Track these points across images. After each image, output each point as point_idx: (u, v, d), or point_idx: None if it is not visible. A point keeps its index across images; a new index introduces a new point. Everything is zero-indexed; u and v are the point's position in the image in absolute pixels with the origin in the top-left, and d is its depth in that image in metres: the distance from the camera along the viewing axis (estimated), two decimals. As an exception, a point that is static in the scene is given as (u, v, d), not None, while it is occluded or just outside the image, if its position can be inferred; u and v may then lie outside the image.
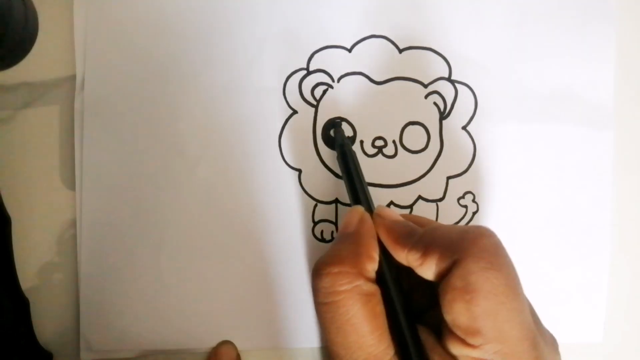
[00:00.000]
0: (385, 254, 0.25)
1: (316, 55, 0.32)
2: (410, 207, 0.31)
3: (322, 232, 0.31)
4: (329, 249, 0.26)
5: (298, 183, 0.31)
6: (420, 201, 0.31)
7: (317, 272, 0.25)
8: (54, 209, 0.31)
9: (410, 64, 0.32)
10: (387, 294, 0.25)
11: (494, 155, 0.32)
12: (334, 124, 0.31)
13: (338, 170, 0.31)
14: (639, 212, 0.33)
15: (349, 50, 0.32)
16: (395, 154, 0.32)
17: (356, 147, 0.31)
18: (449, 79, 0.32)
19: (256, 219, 0.31)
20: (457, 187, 0.32)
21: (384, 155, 0.31)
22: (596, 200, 0.32)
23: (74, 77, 0.31)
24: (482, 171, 0.32)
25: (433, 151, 0.32)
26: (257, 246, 0.31)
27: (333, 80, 0.32)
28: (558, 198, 0.32)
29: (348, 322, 0.23)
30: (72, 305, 0.31)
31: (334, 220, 0.31)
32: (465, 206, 0.32)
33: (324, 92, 0.32)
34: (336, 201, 0.31)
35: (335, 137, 0.31)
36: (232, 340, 0.31)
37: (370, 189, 0.31)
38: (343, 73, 0.32)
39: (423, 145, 0.32)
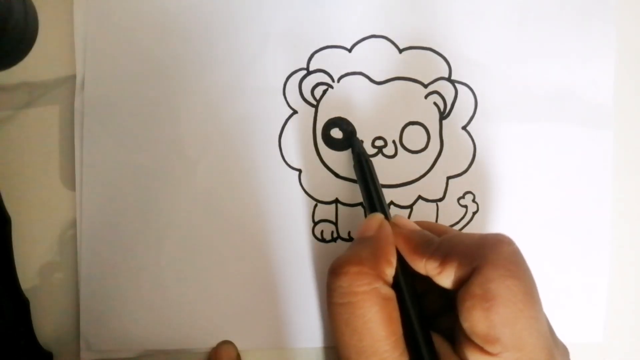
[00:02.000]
0: (401, 260, 0.25)
1: (316, 55, 0.32)
2: (410, 207, 0.31)
3: (322, 232, 0.31)
4: (347, 250, 0.26)
5: (298, 183, 0.31)
6: (420, 201, 0.31)
7: (335, 271, 0.24)
8: (54, 209, 0.31)
9: (410, 64, 0.32)
10: (402, 300, 0.24)
11: (494, 155, 0.32)
12: (350, 134, 0.31)
13: (338, 170, 0.31)
14: (639, 211, 0.33)
15: (349, 50, 0.32)
16: (395, 154, 0.32)
17: (356, 147, 0.31)
18: (449, 79, 0.32)
19: (256, 219, 0.31)
20: (457, 187, 0.32)
21: (384, 155, 0.31)
22: (596, 200, 0.32)
23: (74, 77, 0.31)
24: (482, 171, 0.32)
25: (433, 151, 0.32)
26: (257, 246, 0.31)
27: (333, 80, 0.32)
28: (558, 198, 0.32)
29: (365, 325, 0.23)
30: (72, 305, 0.31)
31: (334, 220, 0.31)
32: (465, 206, 0.32)
33: (324, 92, 0.32)
34: (336, 201, 0.31)
35: (353, 146, 0.31)
36: (232, 340, 0.31)
37: (370, 189, 0.31)
38: (343, 73, 0.32)
39: (423, 145, 0.32)
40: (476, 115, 0.32)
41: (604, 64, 0.32)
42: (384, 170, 0.31)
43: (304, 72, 0.32)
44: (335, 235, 0.31)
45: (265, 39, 0.32)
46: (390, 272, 0.25)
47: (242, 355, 0.31)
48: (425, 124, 0.32)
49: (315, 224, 0.31)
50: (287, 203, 0.31)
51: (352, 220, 0.31)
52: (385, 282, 0.24)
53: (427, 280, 0.25)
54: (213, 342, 0.31)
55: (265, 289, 0.31)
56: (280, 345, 0.31)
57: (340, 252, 0.31)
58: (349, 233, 0.31)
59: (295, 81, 0.32)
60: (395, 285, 0.25)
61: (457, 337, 0.24)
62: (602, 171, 0.32)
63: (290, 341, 0.31)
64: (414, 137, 0.32)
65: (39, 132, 0.32)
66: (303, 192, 0.31)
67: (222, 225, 0.31)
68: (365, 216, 0.28)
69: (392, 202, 0.31)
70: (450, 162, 0.32)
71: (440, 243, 0.25)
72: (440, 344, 0.24)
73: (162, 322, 0.31)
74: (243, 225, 0.31)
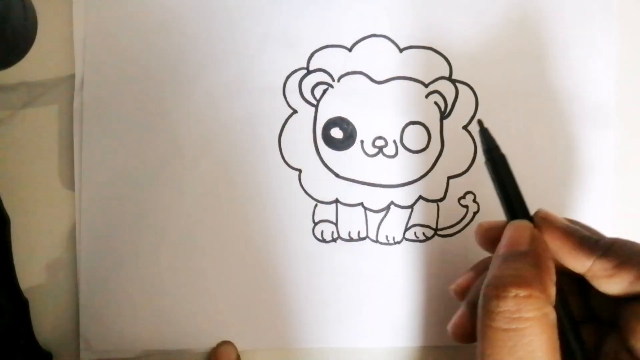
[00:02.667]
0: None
1: (316, 55, 0.31)
2: (411, 207, 0.31)
3: (322, 232, 0.31)
4: (503, 268, 0.23)
5: (298, 183, 0.31)
6: (420, 201, 0.31)
7: (499, 292, 0.22)
8: (54, 209, 0.31)
9: (410, 63, 0.32)
10: (562, 324, 0.22)
11: (494, 155, 0.32)
12: (478, 122, 0.26)
13: (338, 170, 0.31)
14: (639, 211, 0.33)
15: (349, 50, 0.32)
16: (396, 154, 0.31)
17: (356, 147, 0.31)
18: (449, 79, 0.32)
19: (256, 219, 0.31)
20: (457, 187, 0.32)
21: (384, 155, 0.31)
22: (597, 200, 0.32)
23: (73, 77, 0.31)
24: (483, 171, 0.31)
25: (434, 151, 0.32)
26: (257, 246, 0.31)
27: (333, 80, 0.32)
28: (559, 198, 0.32)
29: (530, 355, 0.21)
30: (72, 305, 0.31)
31: (334, 220, 0.31)
32: (466, 206, 0.32)
33: (324, 91, 0.32)
34: (336, 201, 0.31)
35: (482, 140, 0.26)
36: (232, 340, 0.31)
37: (370, 189, 0.31)
38: (343, 73, 0.31)
39: (424, 145, 0.32)
40: (477, 114, 0.32)
41: (605, 63, 0.32)
42: (385, 170, 0.31)
43: (304, 71, 0.32)
44: (335, 235, 0.31)
45: (265, 39, 0.31)
46: (554, 292, 0.22)
47: (242, 355, 0.31)
48: (426, 123, 0.32)
49: (315, 224, 0.31)
50: (287, 203, 0.31)
51: (352, 220, 0.31)
52: (553, 305, 0.22)
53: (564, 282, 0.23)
54: (213, 342, 0.31)
55: (265, 289, 0.31)
56: (280, 345, 0.31)
57: (340, 252, 0.31)
58: (349, 233, 0.31)
59: (295, 81, 0.31)
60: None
61: (614, 355, 0.22)
62: (602, 171, 0.32)
63: (291, 341, 0.31)
64: (414, 137, 0.31)
65: (38, 132, 0.32)
66: (303, 192, 0.31)
67: (222, 225, 0.31)
68: (508, 221, 0.26)
69: (392, 202, 0.31)
70: (451, 162, 0.32)
71: (614, 243, 0.23)
72: None
73: (162, 322, 0.31)
74: (243, 225, 0.31)
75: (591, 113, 0.32)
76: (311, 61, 0.31)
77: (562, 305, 0.23)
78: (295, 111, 0.31)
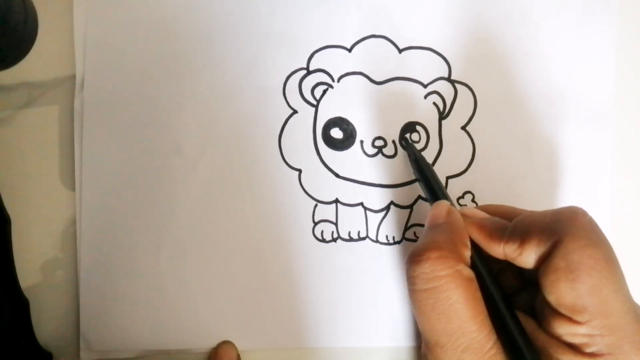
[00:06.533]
0: (474, 245, 0.26)
1: (316, 55, 0.32)
2: (410, 207, 0.31)
3: (322, 232, 0.31)
4: (422, 239, 0.26)
5: (298, 183, 0.31)
6: (420, 201, 0.32)
7: (415, 258, 0.25)
8: (54, 208, 0.31)
9: (410, 63, 0.32)
10: (482, 280, 0.25)
11: (493, 155, 0.32)
12: (405, 140, 0.31)
13: (338, 170, 0.31)
14: (639, 212, 0.33)
15: (349, 50, 0.32)
16: (395, 154, 0.32)
17: (356, 147, 0.31)
18: (448, 79, 0.32)
19: (256, 219, 0.31)
20: (456, 187, 0.32)
21: (384, 155, 0.31)
22: (596, 200, 0.32)
23: (73, 77, 0.32)
24: (482, 171, 0.32)
25: (432, 151, 0.32)
26: (257, 246, 0.31)
27: (333, 80, 0.32)
28: (558, 198, 0.32)
29: (451, 307, 0.24)
30: (72, 305, 0.31)
31: (334, 220, 0.31)
32: (465, 206, 0.32)
33: (324, 92, 0.32)
34: (336, 201, 0.31)
35: (410, 153, 0.31)
36: (232, 340, 0.31)
37: (370, 189, 0.31)
38: (343, 73, 0.32)
39: (422, 145, 0.32)
40: (475, 115, 0.32)
41: (604, 64, 0.32)
42: (384, 170, 0.31)
43: (304, 72, 0.32)
44: (335, 235, 0.31)
45: (265, 39, 0.32)
46: (467, 254, 0.25)
47: (242, 355, 0.31)
48: (425, 124, 0.32)
49: (315, 224, 0.31)
50: (287, 203, 0.31)
51: (352, 220, 0.31)
52: (466, 264, 0.25)
53: (499, 263, 0.26)
54: (213, 342, 0.31)
55: (265, 289, 0.31)
56: (280, 345, 0.31)
57: (340, 252, 0.31)
58: (349, 233, 0.31)
59: (295, 81, 0.32)
60: (473, 267, 0.25)
61: (541, 312, 0.24)
62: (602, 171, 0.32)
63: (291, 341, 0.31)
64: (413, 137, 0.32)
65: (38, 132, 0.32)
66: (303, 192, 0.31)
67: (222, 225, 0.31)
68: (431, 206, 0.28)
69: (392, 202, 0.31)
70: (450, 162, 0.32)
71: (515, 225, 0.25)
72: (524, 320, 0.25)
73: (162, 322, 0.31)
74: (243, 225, 0.31)
75: (590, 113, 0.32)
76: (311, 61, 0.32)
77: (481, 263, 0.26)
78: (295, 111, 0.32)
